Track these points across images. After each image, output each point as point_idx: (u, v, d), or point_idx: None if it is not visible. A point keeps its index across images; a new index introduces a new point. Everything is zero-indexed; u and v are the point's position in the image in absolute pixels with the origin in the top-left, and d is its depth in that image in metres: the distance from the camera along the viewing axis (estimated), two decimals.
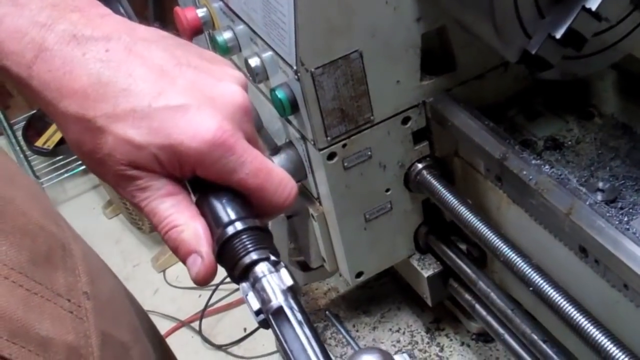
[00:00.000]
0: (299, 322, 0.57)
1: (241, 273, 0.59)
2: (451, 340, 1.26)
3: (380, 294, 1.35)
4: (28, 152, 3.13)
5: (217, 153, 0.58)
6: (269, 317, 0.58)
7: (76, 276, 0.62)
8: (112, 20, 0.60)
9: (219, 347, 2.65)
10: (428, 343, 1.25)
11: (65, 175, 3.20)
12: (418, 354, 1.22)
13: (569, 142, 1.04)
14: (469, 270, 1.11)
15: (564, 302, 0.86)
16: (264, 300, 0.58)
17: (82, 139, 0.58)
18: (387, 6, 0.98)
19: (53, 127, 3.20)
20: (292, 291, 0.59)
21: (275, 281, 0.58)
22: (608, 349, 0.80)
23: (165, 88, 0.58)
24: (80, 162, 3.40)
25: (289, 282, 0.59)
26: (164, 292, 2.88)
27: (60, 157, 3.20)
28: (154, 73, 0.58)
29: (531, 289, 0.90)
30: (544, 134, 1.06)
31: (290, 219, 1.25)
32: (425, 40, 1.03)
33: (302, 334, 0.57)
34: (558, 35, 0.84)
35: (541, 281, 0.89)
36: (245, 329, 2.67)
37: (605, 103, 1.06)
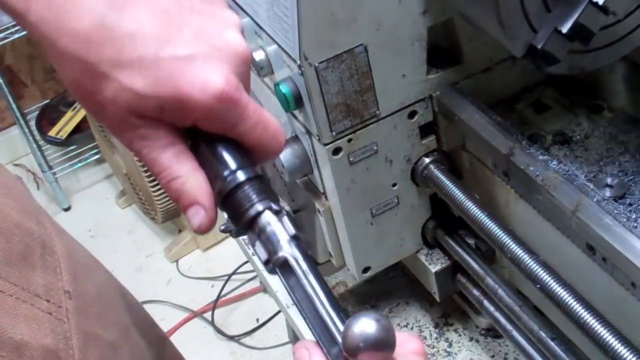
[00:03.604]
0: (304, 272, 0.58)
1: (246, 224, 0.60)
2: (460, 335, 1.25)
3: (389, 288, 1.34)
4: (41, 142, 3.14)
5: (223, 107, 0.58)
6: (276, 269, 0.60)
7: (57, 275, 0.61)
8: None
9: (232, 338, 2.66)
10: (436, 338, 1.25)
11: (79, 165, 3.21)
12: (426, 349, 1.21)
13: (578, 137, 1.02)
14: (476, 266, 1.10)
15: (571, 300, 0.84)
16: (270, 251, 0.59)
17: (81, 81, 0.56)
18: None
19: (66, 117, 3.21)
20: (296, 239, 0.60)
21: (280, 231, 0.59)
22: (615, 347, 0.79)
23: (172, 36, 0.56)
24: (94, 152, 3.43)
25: (292, 230, 0.60)
26: (177, 283, 2.88)
27: (74, 146, 3.21)
28: (160, 19, 0.56)
29: (538, 286, 0.88)
30: (553, 128, 1.04)
31: (297, 214, 1.24)
32: (432, 34, 1.02)
33: (307, 284, 0.58)
34: (565, 30, 0.83)
35: (548, 278, 0.87)
36: (257, 320, 2.67)
37: (615, 96, 1.05)
